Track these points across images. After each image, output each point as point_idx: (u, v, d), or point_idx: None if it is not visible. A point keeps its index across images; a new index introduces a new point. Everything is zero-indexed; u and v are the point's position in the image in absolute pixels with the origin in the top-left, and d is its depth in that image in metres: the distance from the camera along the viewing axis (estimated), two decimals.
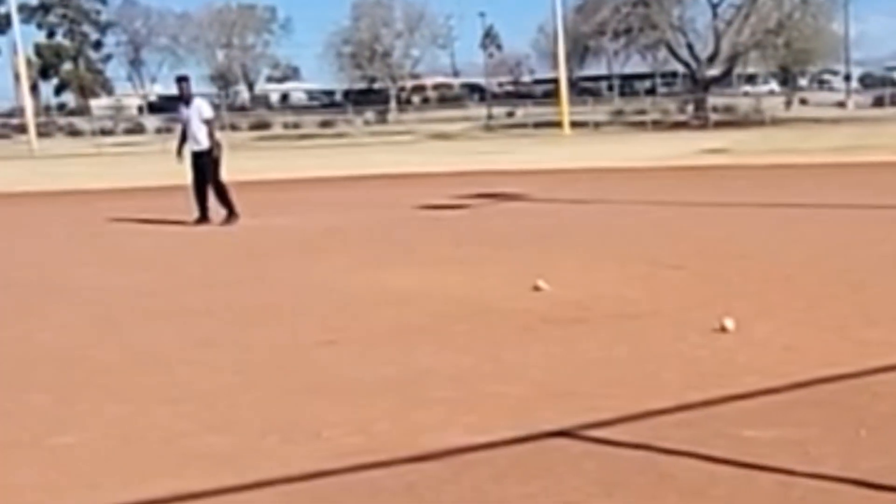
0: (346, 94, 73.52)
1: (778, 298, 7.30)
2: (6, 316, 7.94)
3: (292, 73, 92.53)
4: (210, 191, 13.54)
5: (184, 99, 13.92)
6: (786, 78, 68.06)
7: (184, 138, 13.81)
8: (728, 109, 48.30)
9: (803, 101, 59.91)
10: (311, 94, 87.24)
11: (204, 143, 13.49)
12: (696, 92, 49.59)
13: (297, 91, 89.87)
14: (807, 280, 7.98)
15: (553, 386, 5.33)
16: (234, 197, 13.58)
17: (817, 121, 41.97)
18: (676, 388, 5.16)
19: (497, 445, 4.43)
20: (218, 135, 14.06)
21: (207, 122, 13.65)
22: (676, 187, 16.50)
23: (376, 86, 70.60)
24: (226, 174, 13.80)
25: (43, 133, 49.08)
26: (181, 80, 14.52)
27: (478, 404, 5.05)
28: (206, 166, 13.47)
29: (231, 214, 13.46)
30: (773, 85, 70.58)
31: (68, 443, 4.74)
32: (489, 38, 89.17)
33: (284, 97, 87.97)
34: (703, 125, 42.73)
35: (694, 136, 33.86)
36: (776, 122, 43.14)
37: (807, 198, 13.74)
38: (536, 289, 7.77)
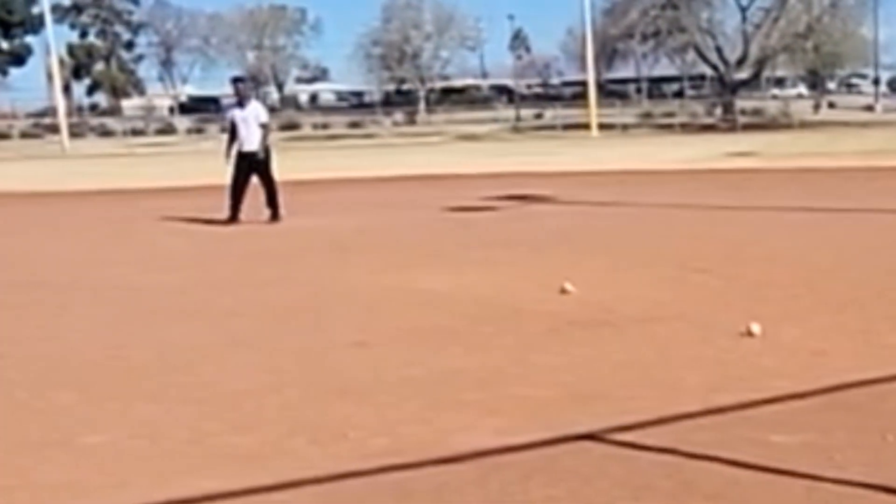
0: (386, 96, 73.75)
1: (805, 302, 7.28)
2: (37, 314, 8.01)
3: (321, 74, 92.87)
4: (252, 191, 13.57)
5: (239, 100, 13.94)
6: (814, 81, 67.66)
7: (232, 139, 13.77)
8: (756, 112, 48.11)
9: (831, 105, 59.61)
10: (340, 95, 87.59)
11: (255, 145, 13.52)
12: (724, 95, 49.41)
13: (327, 92, 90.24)
14: (834, 284, 7.95)
15: (580, 388, 5.34)
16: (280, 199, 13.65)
17: (845, 124, 41.70)
18: (702, 391, 5.15)
19: (523, 448, 4.43)
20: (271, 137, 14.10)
21: (263, 126, 13.70)
22: (704, 190, 16.45)
23: (405, 87, 70.78)
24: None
25: (75, 133, 49.54)
26: (238, 80, 14.61)
27: (504, 406, 5.07)
28: (255, 168, 13.49)
29: (275, 215, 13.52)
30: (802, 88, 70.20)
31: (97, 442, 4.78)
32: (518, 40, 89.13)
33: (314, 98, 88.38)
34: (732, 128, 42.60)
35: (722, 139, 33.72)
36: (804, 125, 42.93)
37: (834, 201, 13.65)
38: (563, 291, 7.78)
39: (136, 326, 7.38)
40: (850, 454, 4.22)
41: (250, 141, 13.53)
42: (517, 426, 4.73)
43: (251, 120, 13.60)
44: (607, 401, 5.08)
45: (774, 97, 58.78)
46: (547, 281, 8.16)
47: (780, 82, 68.96)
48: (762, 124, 43.51)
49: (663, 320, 6.85)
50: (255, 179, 13.66)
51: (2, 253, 11.92)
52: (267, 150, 13.67)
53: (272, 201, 13.59)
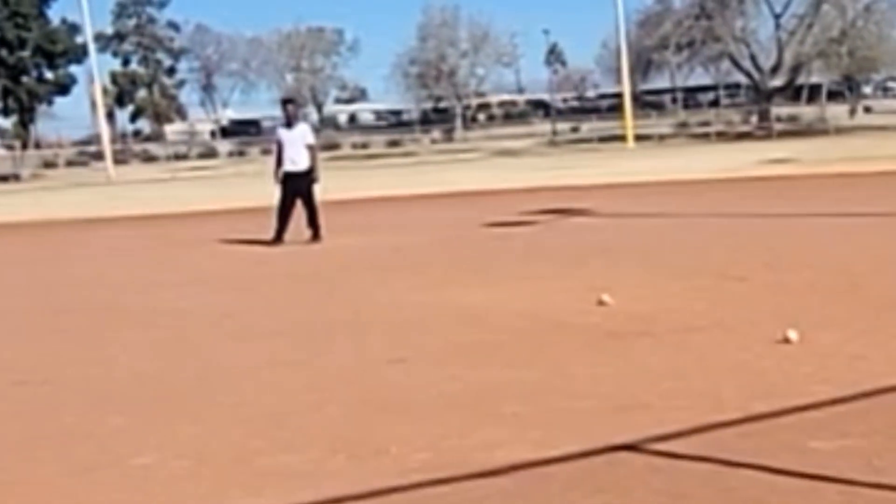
0: (424, 114, 74.13)
1: (843, 308, 7.25)
2: (86, 338, 8.16)
3: (360, 95, 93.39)
4: (300, 212, 13.69)
5: (287, 121, 14.13)
6: (850, 86, 66.98)
7: (279, 160, 13.89)
8: (792, 119, 47.77)
9: (867, 110, 58.99)
10: (378, 115, 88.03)
11: (302, 165, 13.66)
12: (759, 102, 49.13)
13: (365, 112, 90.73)
14: (872, 290, 7.90)
15: (619, 400, 5.36)
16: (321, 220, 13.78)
17: (882, 129, 41.23)
18: (741, 399, 5.16)
19: (564, 460, 4.46)
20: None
21: (310, 148, 13.88)
22: (741, 198, 16.38)
23: (442, 105, 71.02)
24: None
25: (119, 160, 50.18)
26: (288, 102, 14.82)
27: (545, 419, 5.10)
28: (301, 187, 13.64)
29: (316, 235, 13.66)
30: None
31: (145, 463, 4.86)
32: (553, 54, 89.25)
33: (352, 118, 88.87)
34: (768, 135, 42.36)
35: (758, 147, 33.52)
36: (840, 130, 42.54)
37: (872, 206, 13.54)
38: (601, 303, 7.81)
39: (181, 348, 7.50)
40: (889, 459, 4.21)
41: (295, 161, 13.69)
42: (557, 438, 4.76)
43: (298, 141, 13.78)
44: (646, 411, 5.10)
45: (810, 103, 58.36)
46: (585, 293, 8.19)
47: (815, 90, 68.32)
48: (798, 131, 43.24)
49: (701, 329, 6.85)
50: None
51: (50, 279, 12.14)
52: (313, 171, 13.78)
53: (313, 222, 13.72)
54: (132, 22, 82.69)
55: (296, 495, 4.31)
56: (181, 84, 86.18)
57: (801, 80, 52.97)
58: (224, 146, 60.71)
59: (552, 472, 4.36)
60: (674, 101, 72.78)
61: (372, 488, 4.30)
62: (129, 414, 5.73)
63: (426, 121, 70.34)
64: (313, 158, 13.82)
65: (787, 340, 6.20)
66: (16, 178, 46.77)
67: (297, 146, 13.73)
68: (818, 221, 12.58)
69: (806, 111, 50.88)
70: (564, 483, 4.24)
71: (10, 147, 58.83)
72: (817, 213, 13.33)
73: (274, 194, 13.88)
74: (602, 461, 4.45)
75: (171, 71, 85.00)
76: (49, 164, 54.77)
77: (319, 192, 13.96)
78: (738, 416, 4.86)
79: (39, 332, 8.58)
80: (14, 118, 59.07)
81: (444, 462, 4.55)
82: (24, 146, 56.68)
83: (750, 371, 5.73)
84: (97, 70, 51.84)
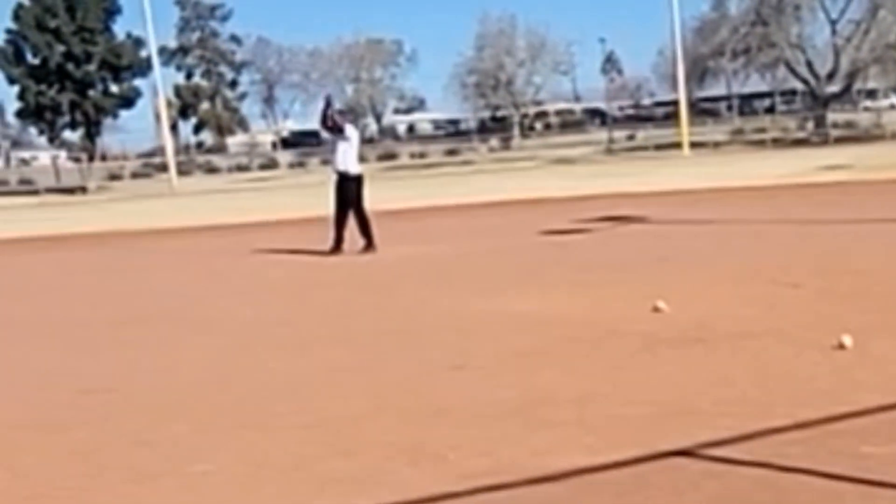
0: (482, 123, 74.29)
1: None
2: (149, 347, 8.31)
3: (418, 105, 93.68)
4: (352, 219, 13.76)
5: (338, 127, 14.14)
6: None
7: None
8: (848, 125, 47.09)
9: None
10: (436, 124, 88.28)
11: (348, 167, 13.73)
12: (815, 109, 48.49)
13: (424, 121, 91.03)
14: None
15: (672, 406, 5.37)
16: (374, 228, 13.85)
17: None
18: (794, 405, 5.14)
19: (618, 466, 4.49)
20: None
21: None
22: (796, 205, 16.21)
23: (499, 114, 71.00)
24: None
25: (183, 171, 50.80)
26: (339, 112, 14.92)
27: (599, 425, 5.13)
28: (348, 193, 13.65)
29: (370, 245, 13.71)
30: (894, 99, 68.16)
31: (206, 470, 4.94)
32: (610, 62, 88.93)
33: (411, 128, 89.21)
34: (824, 142, 41.77)
35: (814, 153, 33.05)
36: None
37: None
38: (656, 310, 7.81)
39: (241, 357, 7.61)
40: None
41: (345, 162, 13.77)
42: (611, 444, 4.78)
43: (347, 143, 13.84)
44: (700, 417, 5.10)
45: (867, 109, 57.26)
46: (640, 300, 8.18)
47: (871, 94, 67.12)
48: (855, 137, 42.54)
49: (755, 336, 6.83)
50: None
51: (115, 289, 12.37)
52: (359, 179, 13.83)
53: (365, 230, 13.78)
54: (195, 36, 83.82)
55: (354, 501, 4.38)
56: (243, 96, 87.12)
57: (857, 85, 52.15)
58: (285, 157, 61.22)
59: (606, 479, 4.39)
60: (729, 108, 72.01)
61: (429, 494, 4.36)
62: (190, 421, 5.84)
63: (484, 130, 70.31)
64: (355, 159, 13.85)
65: (841, 346, 6.16)
66: (82, 190, 47.64)
67: (345, 148, 13.79)
68: (873, 227, 12.40)
69: (863, 117, 50.00)
70: (618, 489, 4.27)
71: (76, 160, 59.92)
72: (873, 218, 13.15)
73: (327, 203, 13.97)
74: (656, 467, 4.47)
75: (233, 84, 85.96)
76: (114, 176, 55.66)
77: (367, 200, 13.99)
78: (791, 421, 4.85)
79: (104, 341, 8.75)
80: (81, 131, 60.15)
81: (500, 468, 4.59)
82: (91, 159, 57.64)
83: (803, 377, 5.72)
84: (161, 83, 52.67)
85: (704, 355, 6.43)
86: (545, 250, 12.91)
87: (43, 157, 72.76)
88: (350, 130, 14.20)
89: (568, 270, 10.74)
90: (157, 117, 54.89)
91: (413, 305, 9.33)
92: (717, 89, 66.20)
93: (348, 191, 13.70)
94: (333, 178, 13.92)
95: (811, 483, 4.11)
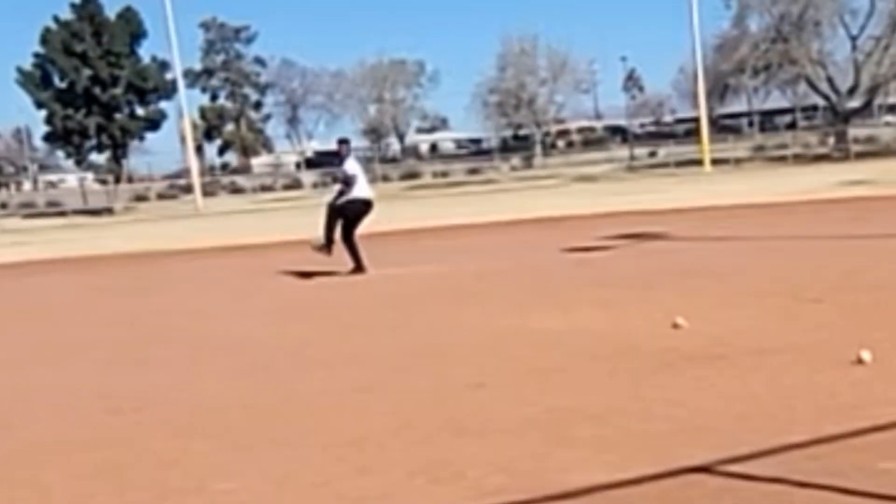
0: (504, 142, 74.51)
1: None
2: (174, 367, 8.39)
3: (441, 124, 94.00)
4: (364, 242, 13.90)
5: (342, 159, 14.45)
6: None
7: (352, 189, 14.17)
8: (870, 140, 46.90)
9: None
10: (459, 143, 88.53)
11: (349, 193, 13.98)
12: (836, 124, 48.34)
13: (446, 141, 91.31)
14: None
15: (692, 422, 5.38)
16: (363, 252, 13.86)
17: None
18: (813, 421, 5.15)
19: (638, 482, 4.50)
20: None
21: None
22: (817, 220, 16.17)
23: (521, 132, 71.16)
24: (376, 224, 14.18)
25: (208, 192, 51.22)
26: (343, 142, 15.14)
27: (619, 442, 5.14)
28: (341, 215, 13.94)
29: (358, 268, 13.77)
30: None
31: (229, 488, 4.97)
32: (631, 80, 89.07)
33: (433, 147, 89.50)
34: (845, 157, 41.69)
35: (835, 169, 32.95)
36: None
37: None
38: (676, 326, 7.83)
39: (264, 376, 7.67)
40: None
41: (361, 188, 14.03)
42: (631, 461, 4.80)
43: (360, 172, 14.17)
44: (719, 433, 5.11)
45: (888, 124, 57.03)
46: (661, 317, 8.20)
47: (892, 109, 66.78)
48: (876, 152, 42.43)
49: (775, 351, 6.83)
50: (359, 229, 14.03)
51: (141, 309, 12.46)
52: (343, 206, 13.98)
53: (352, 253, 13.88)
54: (220, 58, 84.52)
55: None
56: (267, 118, 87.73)
57: (878, 100, 52.03)
58: (308, 177, 61.54)
59: (626, 495, 4.40)
60: (750, 124, 71.89)
61: None
62: (214, 440, 5.89)
63: (506, 148, 70.53)
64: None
65: (860, 361, 6.17)
66: (109, 211, 48.10)
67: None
68: (893, 243, 12.35)
69: (884, 132, 49.83)
70: None
71: (103, 182, 60.49)
72: (893, 234, 13.10)
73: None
74: (676, 483, 4.48)
75: (257, 105, 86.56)
76: (141, 198, 56.17)
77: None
78: (809, 437, 4.86)
79: (131, 360, 8.83)
80: (107, 154, 60.70)
81: (520, 485, 4.61)
82: (117, 180, 58.19)
83: (822, 392, 5.72)
84: (186, 105, 53.20)
85: (724, 371, 6.44)
86: (567, 267, 12.93)
87: (70, 179, 73.50)
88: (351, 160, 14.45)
89: (589, 287, 10.76)
90: (183, 139, 55.32)
91: (437, 323, 9.37)
92: (738, 106, 66.18)
93: (360, 213, 13.86)
94: (367, 198, 14.08)
95: (828, 499, 4.12)
